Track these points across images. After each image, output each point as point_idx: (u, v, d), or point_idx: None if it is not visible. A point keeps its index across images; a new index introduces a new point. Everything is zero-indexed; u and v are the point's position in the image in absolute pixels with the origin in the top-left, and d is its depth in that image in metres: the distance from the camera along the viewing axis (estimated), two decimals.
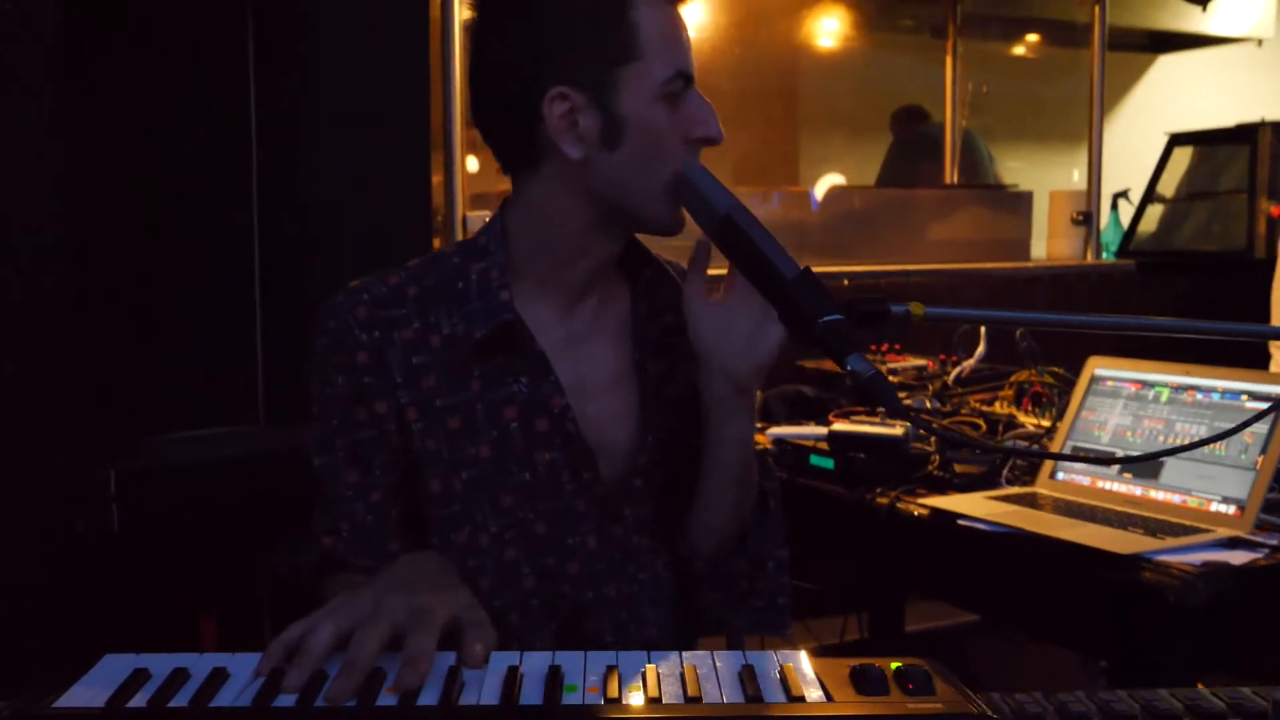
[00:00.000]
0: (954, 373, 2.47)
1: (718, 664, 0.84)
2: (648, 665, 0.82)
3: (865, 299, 1.05)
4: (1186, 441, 1.69)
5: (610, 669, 0.82)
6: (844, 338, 1.00)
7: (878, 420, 2.14)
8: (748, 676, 0.81)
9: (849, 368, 0.98)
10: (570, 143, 1.10)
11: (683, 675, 0.81)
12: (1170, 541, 1.51)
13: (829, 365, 2.62)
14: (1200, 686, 0.89)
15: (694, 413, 1.22)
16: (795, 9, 4.79)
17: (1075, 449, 1.83)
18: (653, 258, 1.26)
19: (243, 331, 2.09)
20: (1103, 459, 1.10)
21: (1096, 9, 3.78)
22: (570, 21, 1.10)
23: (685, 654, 0.85)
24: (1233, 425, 1.63)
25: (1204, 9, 3.89)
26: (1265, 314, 3.45)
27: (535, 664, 0.84)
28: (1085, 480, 1.79)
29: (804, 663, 0.84)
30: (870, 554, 2.00)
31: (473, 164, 4.14)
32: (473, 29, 1.16)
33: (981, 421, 2.13)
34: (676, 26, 1.12)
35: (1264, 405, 1.61)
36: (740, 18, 4.32)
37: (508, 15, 1.13)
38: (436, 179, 2.80)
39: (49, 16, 1.70)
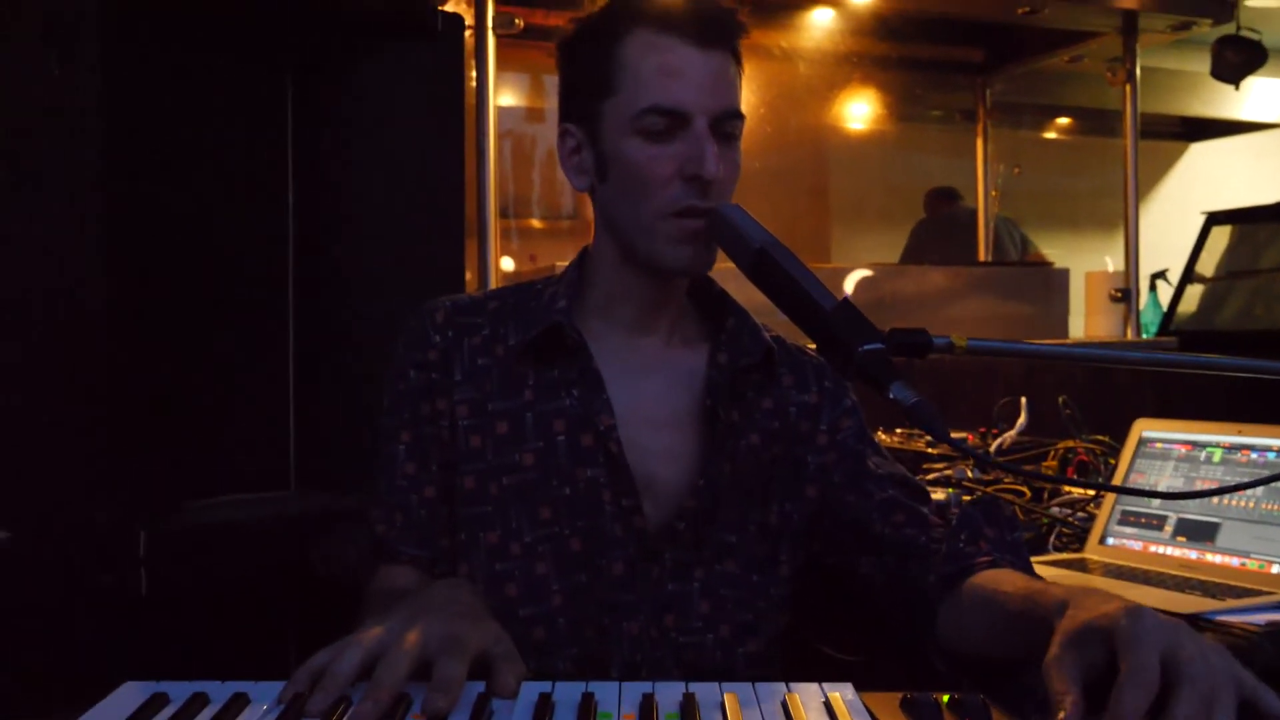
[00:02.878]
0: (994, 444, 2.42)
1: (759, 694, 0.79)
2: (685, 694, 0.78)
3: (906, 330, 1.02)
4: (1244, 503, 1.63)
5: (646, 697, 0.78)
6: (886, 366, 0.98)
7: None
8: (792, 706, 0.77)
9: (892, 395, 0.95)
10: (574, 174, 1.19)
11: (723, 704, 0.77)
12: (1231, 603, 1.45)
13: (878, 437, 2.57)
14: None
15: (763, 473, 1.21)
16: (825, 93, 4.86)
17: (1125, 514, 1.78)
18: (738, 309, 1.26)
19: (276, 400, 2.09)
20: (1170, 494, 1.05)
21: (1128, 90, 3.80)
22: (571, 61, 1.19)
23: (725, 684, 0.81)
24: None
25: (1236, 87, 3.90)
26: None
27: (567, 693, 0.80)
28: (1137, 545, 1.73)
29: (850, 693, 0.79)
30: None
31: (508, 264, 4.17)
32: None
33: (1026, 489, 2.07)
34: (673, 63, 1.11)
35: None
36: (771, 97, 4.38)
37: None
38: (468, 275, 2.81)
39: (94, 110, 1.73)
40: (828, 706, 0.77)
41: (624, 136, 1.13)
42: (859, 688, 0.81)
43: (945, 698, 0.78)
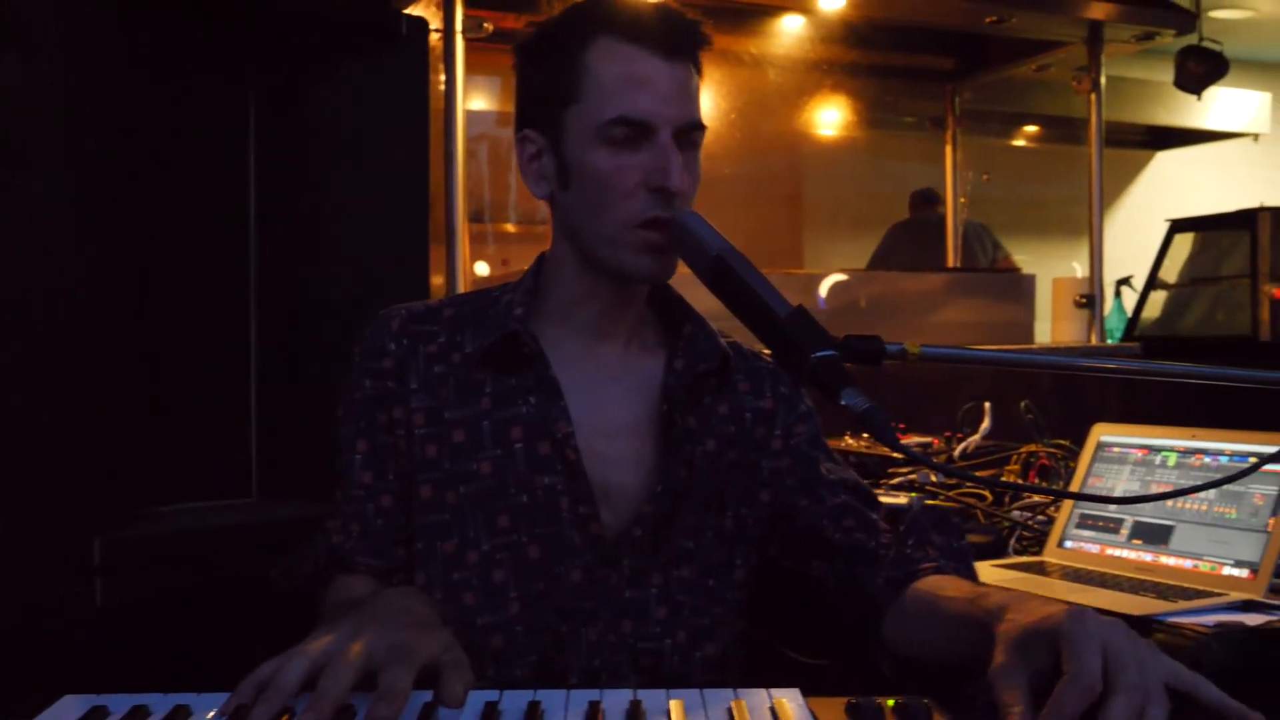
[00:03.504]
0: (958, 449, 2.44)
1: (706, 700, 0.80)
2: (632, 700, 0.79)
3: (860, 337, 1.03)
4: (1198, 506, 1.65)
5: (593, 704, 0.78)
6: (838, 372, 0.98)
7: (881, 491, 2.10)
8: (738, 711, 0.77)
9: (843, 402, 0.96)
10: (534, 181, 1.19)
11: (668, 711, 0.77)
12: (1183, 604, 1.46)
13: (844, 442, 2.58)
14: None
15: (719, 478, 1.21)
16: (796, 100, 4.87)
17: (1083, 517, 1.79)
18: (695, 315, 1.26)
19: (238, 406, 2.07)
20: (1121, 499, 1.07)
21: (1093, 99, 3.83)
22: (531, 66, 1.19)
23: (673, 690, 0.81)
24: (1243, 488, 1.60)
25: (1199, 98, 3.95)
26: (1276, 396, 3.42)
27: (514, 701, 0.80)
28: (1094, 548, 1.74)
29: (797, 698, 0.80)
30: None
31: (482, 268, 4.15)
32: None
33: (987, 493, 2.09)
34: (639, 73, 1.11)
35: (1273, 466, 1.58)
36: (742, 104, 4.39)
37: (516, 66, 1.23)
38: (437, 280, 2.79)
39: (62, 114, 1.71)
40: (774, 712, 0.77)
41: (588, 145, 1.13)
42: (820, 691, 0.82)
43: (890, 702, 0.78)
